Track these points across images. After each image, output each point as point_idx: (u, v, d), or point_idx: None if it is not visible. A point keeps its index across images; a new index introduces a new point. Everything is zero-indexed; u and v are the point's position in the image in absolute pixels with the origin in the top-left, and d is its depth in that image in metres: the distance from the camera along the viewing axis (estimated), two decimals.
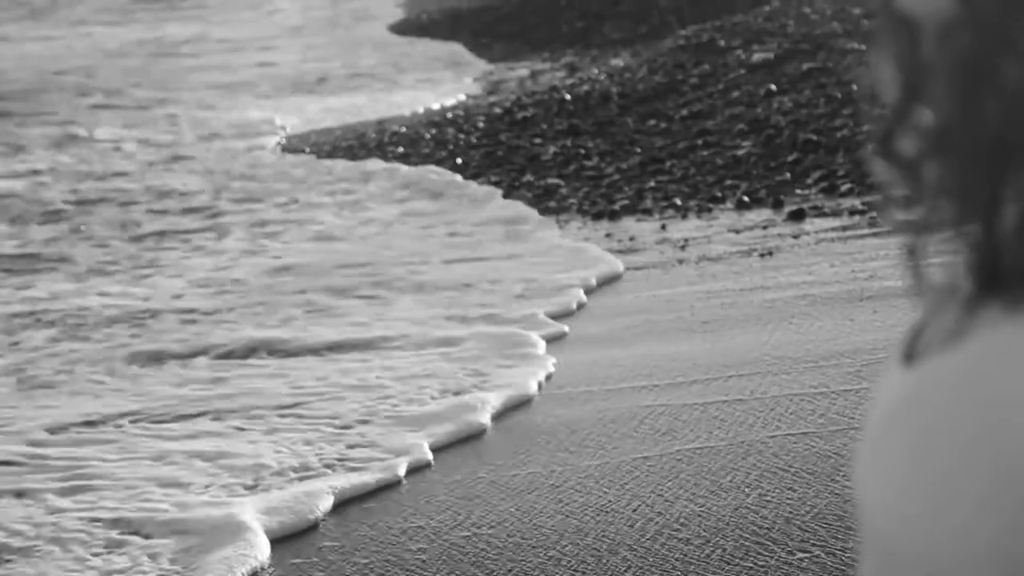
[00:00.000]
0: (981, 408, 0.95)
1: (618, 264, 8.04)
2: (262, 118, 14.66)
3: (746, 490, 4.66)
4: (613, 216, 9.31)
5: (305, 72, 17.99)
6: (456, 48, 18.64)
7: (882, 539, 1.01)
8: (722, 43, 13.10)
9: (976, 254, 0.99)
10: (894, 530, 0.99)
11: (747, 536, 4.32)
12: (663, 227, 8.86)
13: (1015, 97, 0.94)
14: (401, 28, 20.50)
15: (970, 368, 0.97)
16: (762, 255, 7.99)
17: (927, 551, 0.97)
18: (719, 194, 9.43)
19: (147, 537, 4.78)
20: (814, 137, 10.01)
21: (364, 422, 5.71)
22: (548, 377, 6.14)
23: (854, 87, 10.60)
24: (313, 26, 22.58)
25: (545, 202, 9.79)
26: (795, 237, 8.25)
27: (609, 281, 7.78)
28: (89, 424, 5.98)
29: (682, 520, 4.50)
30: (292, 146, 13.00)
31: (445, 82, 16.29)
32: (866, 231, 8.11)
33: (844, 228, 8.25)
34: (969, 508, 0.94)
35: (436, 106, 14.37)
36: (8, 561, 4.72)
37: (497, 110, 12.89)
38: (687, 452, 5.08)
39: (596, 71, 14.06)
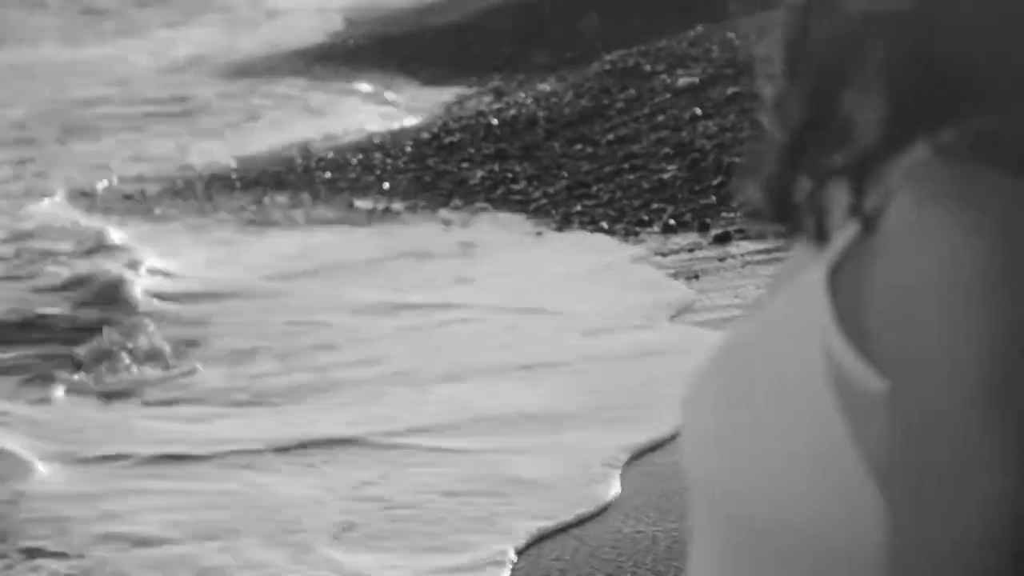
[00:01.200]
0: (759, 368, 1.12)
1: None
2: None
3: None
4: (540, 240, 9.33)
5: None
6: (385, 73, 18.64)
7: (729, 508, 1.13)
8: (647, 68, 13.18)
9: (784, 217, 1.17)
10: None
11: None
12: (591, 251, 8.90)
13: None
14: (328, 53, 20.48)
15: (754, 330, 1.15)
16: (688, 278, 8.04)
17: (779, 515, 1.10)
18: (645, 218, 9.48)
19: None
20: (739, 160, 10.08)
21: None
22: None
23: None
24: None
25: (473, 224, 9.80)
26: (721, 260, 8.31)
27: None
28: None
29: None
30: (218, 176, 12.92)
31: (371, 106, 16.28)
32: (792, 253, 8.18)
33: (770, 250, 8.32)
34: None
35: (363, 131, 14.35)
36: None
37: (424, 135, 12.90)
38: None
39: (523, 96, 14.10)
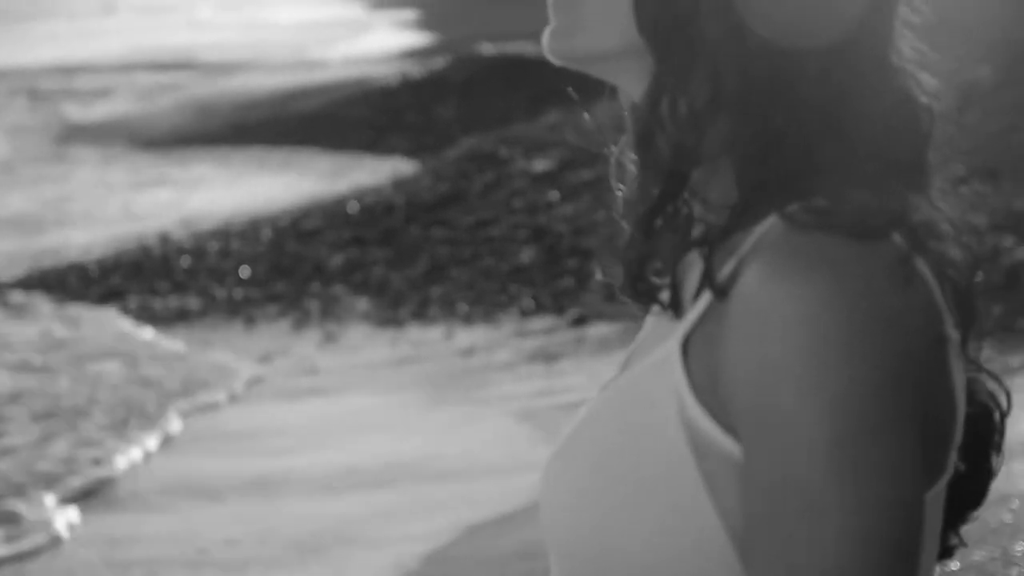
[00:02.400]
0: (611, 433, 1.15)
1: None
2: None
3: None
4: (398, 324, 9.36)
5: None
6: (243, 159, 18.60)
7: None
8: (505, 153, 13.33)
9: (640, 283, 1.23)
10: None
11: None
12: (448, 335, 8.95)
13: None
14: (186, 138, 20.39)
15: (608, 399, 1.19)
16: (547, 360, 8.12)
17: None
18: (504, 301, 9.56)
19: None
20: (596, 243, 10.22)
21: None
22: None
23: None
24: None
25: (331, 310, 9.81)
26: (578, 342, 8.40)
27: None
28: None
29: None
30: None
31: (229, 193, 16.22)
32: None
33: (625, 331, 8.43)
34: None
35: (221, 218, 14.29)
36: None
37: (283, 221, 12.89)
38: None
39: (381, 181, 14.17)
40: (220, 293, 10.85)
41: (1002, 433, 1.24)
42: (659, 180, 1.19)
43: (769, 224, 1.11)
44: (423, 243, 11.32)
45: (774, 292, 1.06)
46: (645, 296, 1.24)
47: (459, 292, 9.97)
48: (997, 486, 1.25)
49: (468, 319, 9.31)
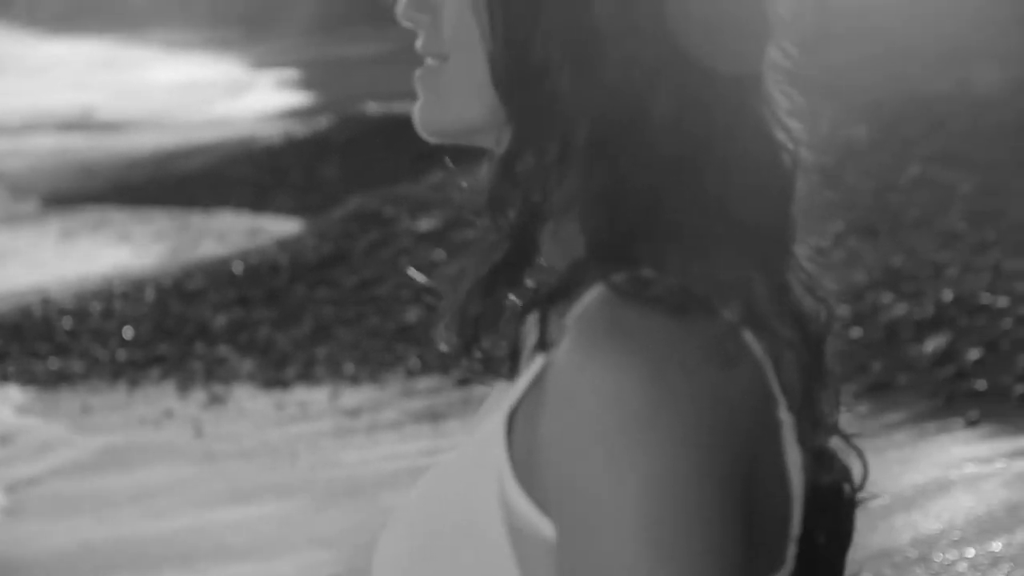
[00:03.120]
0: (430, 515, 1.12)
1: None
2: None
3: None
4: (284, 385, 9.31)
5: None
6: (127, 219, 18.44)
7: None
8: (390, 212, 13.35)
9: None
10: None
11: None
12: (334, 395, 8.91)
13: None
14: (68, 197, 20.17)
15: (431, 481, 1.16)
16: (433, 420, 8.11)
17: None
18: (390, 360, 9.55)
19: None
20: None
21: None
22: None
23: None
24: None
25: (216, 371, 9.73)
26: (465, 402, 8.41)
27: None
28: None
29: None
30: None
31: (113, 253, 16.07)
32: None
33: None
34: None
35: (104, 278, 14.14)
36: None
37: (166, 282, 12.78)
38: None
39: (267, 241, 14.11)
40: (103, 355, 10.72)
41: (855, 505, 1.19)
42: (505, 240, 1.17)
43: (596, 291, 1.07)
44: (308, 303, 11.28)
45: (584, 366, 1.02)
46: (481, 364, 1.21)
47: (345, 352, 9.94)
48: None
49: (354, 379, 9.28)
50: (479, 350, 1.22)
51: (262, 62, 33.84)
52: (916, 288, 8.23)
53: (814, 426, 1.13)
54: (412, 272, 1.38)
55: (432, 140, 1.23)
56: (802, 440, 1.10)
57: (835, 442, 1.19)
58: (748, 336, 1.06)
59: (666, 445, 1.00)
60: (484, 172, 1.22)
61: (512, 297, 1.19)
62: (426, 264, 11.61)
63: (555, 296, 1.11)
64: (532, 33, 1.12)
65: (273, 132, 20.57)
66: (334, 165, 18.54)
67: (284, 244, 13.55)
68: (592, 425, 1.01)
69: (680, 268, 1.06)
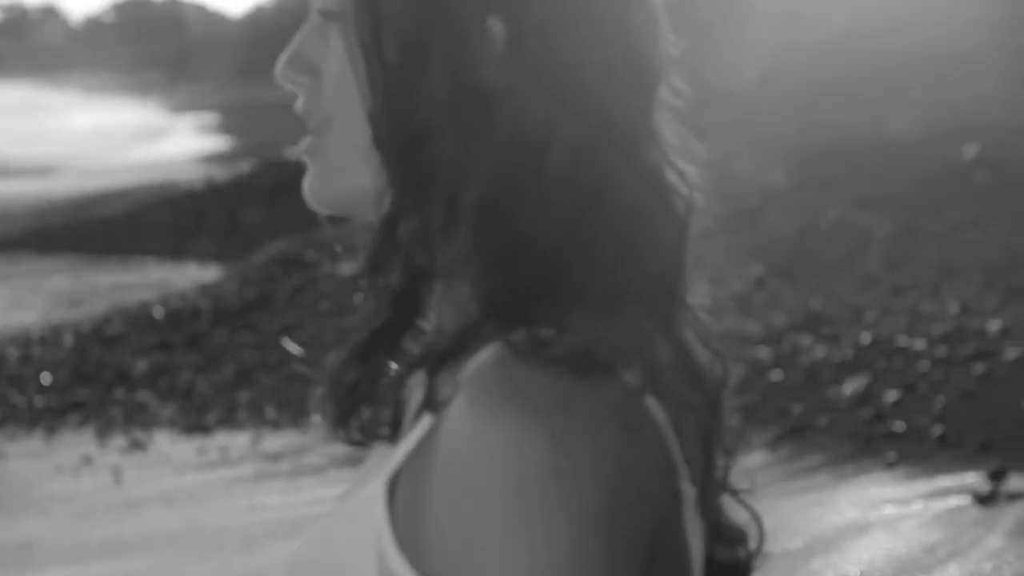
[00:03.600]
0: None
1: None
2: None
3: None
4: (206, 430, 9.25)
5: None
6: (43, 265, 18.28)
7: None
8: (311, 256, 13.33)
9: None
10: None
11: None
12: (256, 440, 8.86)
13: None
14: None
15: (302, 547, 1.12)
16: (355, 465, 8.10)
17: None
18: (311, 407, 9.52)
19: None
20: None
21: None
22: None
23: None
24: None
25: (136, 417, 9.65)
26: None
27: None
28: None
29: None
30: None
31: (30, 298, 15.92)
32: None
33: None
34: None
35: (21, 323, 14.02)
36: None
37: (85, 327, 12.68)
38: None
39: (188, 285, 14.04)
40: (20, 401, 10.60)
41: (751, 570, 1.15)
42: (388, 303, 1.12)
43: (491, 350, 1.02)
44: (230, 348, 11.22)
45: (480, 428, 0.96)
46: (360, 432, 1.15)
47: (267, 397, 9.89)
48: None
49: (276, 424, 9.23)
50: (357, 419, 1.16)
51: (181, 106, 33.76)
52: (835, 331, 8.31)
53: (714, 496, 1.10)
54: (287, 343, 1.34)
55: (324, 212, 1.19)
56: (702, 512, 1.06)
57: (731, 506, 1.15)
58: (651, 401, 1.01)
59: (566, 514, 0.95)
60: (366, 235, 1.17)
61: (391, 363, 1.13)
62: (349, 308, 11.59)
63: (447, 356, 1.05)
64: (414, 91, 1.09)
65: (194, 177, 20.50)
66: (255, 210, 18.49)
67: (205, 289, 13.49)
68: (488, 491, 0.95)
69: (580, 328, 1.02)
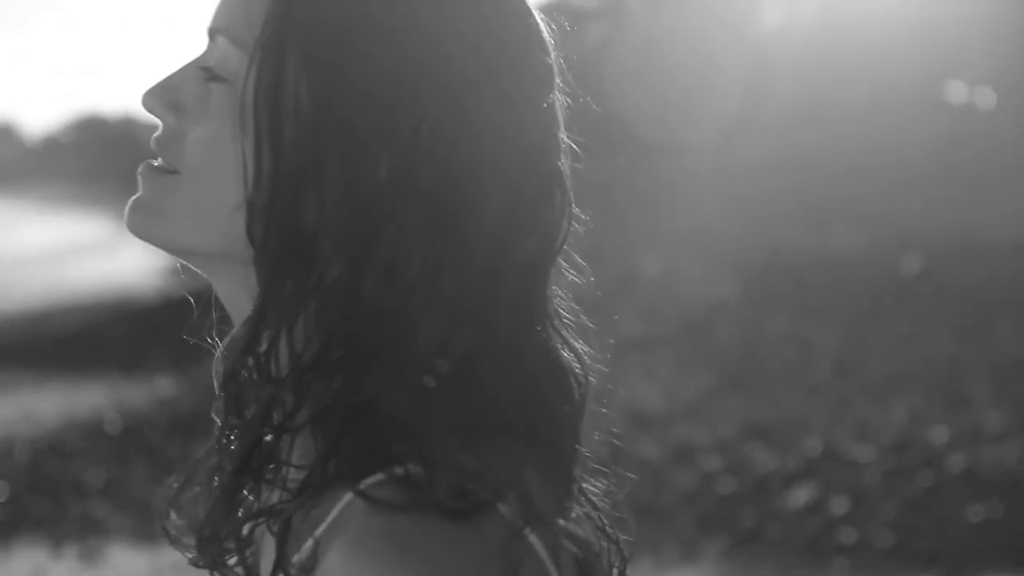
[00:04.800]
0: None
1: None
2: None
3: None
4: (160, 541, 9.24)
5: None
6: None
7: None
8: None
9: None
10: None
11: None
12: None
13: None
14: None
15: None
16: None
17: None
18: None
19: None
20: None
21: None
22: None
23: None
24: None
25: (91, 528, 9.62)
26: None
27: None
28: None
29: None
30: None
31: None
32: None
33: None
34: None
35: None
36: None
37: (41, 441, 12.64)
38: None
39: (142, 395, 14.01)
40: None
41: None
42: (244, 436, 1.07)
43: (347, 500, 0.98)
44: (185, 459, 11.20)
45: None
46: (220, 568, 1.10)
47: None
48: None
49: None
50: (217, 557, 1.11)
51: None
52: (784, 440, 8.37)
53: None
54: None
55: (142, 241, 1.14)
56: None
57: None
58: (531, 537, 0.97)
59: None
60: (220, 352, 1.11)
61: (249, 505, 1.08)
62: None
63: (294, 503, 1.00)
64: (303, 199, 1.03)
65: (149, 289, 20.50)
66: (210, 321, 18.50)
67: (161, 400, 13.48)
68: None
69: (448, 464, 0.97)
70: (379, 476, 0.96)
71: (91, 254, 27.64)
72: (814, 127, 18.60)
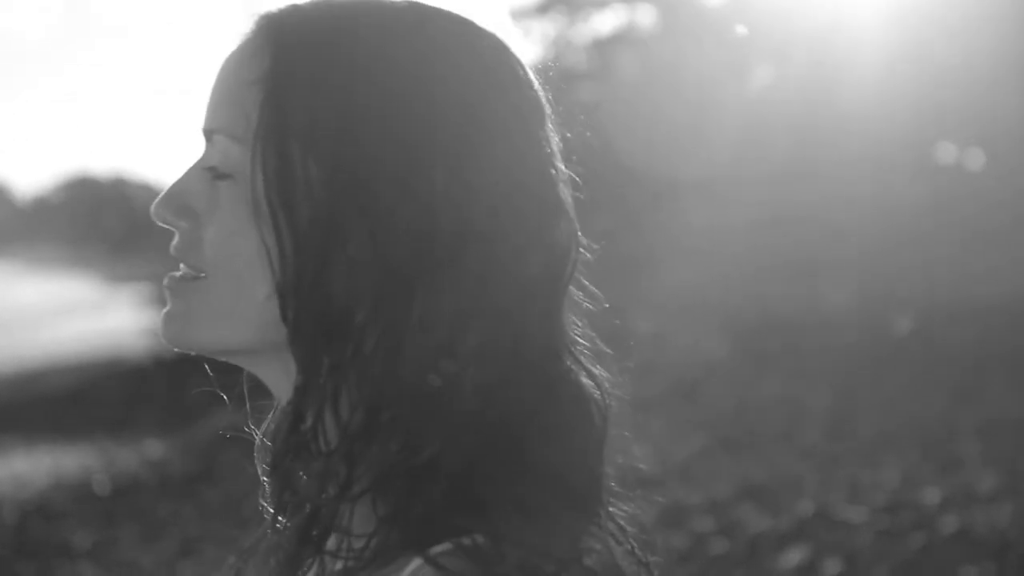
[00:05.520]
0: None
1: None
2: None
3: None
4: None
5: None
6: None
7: None
8: (253, 432, 13.29)
9: None
10: None
11: None
12: None
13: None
14: None
15: None
16: None
17: None
18: None
19: None
20: None
21: None
22: None
23: None
24: None
25: None
26: None
27: None
28: None
29: None
30: None
31: None
32: None
33: None
34: None
35: None
36: None
37: (28, 502, 12.58)
38: None
39: (132, 456, 13.96)
40: None
41: None
42: (299, 514, 1.08)
43: (416, 566, 0.98)
44: (174, 520, 11.16)
45: None
46: None
47: (211, 569, 9.83)
48: None
49: None
50: None
51: (116, 277, 33.73)
52: (776, 501, 8.37)
53: None
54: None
55: (181, 350, 1.16)
56: None
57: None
58: None
59: None
60: (270, 433, 1.11)
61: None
62: None
63: (359, 571, 1.01)
64: (331, 274, 1.04)
65: (138, 349, 20.47)
66: (201, 382, 18.48)
67: (150, 461, 13.43)
68: None
69: (515, 537, 0.98)
70: (447, 546, 0.97)
71: (81, 314, 27.63)
72: (804, 186, 18.66)
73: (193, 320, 1.12)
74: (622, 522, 1.12)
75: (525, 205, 1.06)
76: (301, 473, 1.06)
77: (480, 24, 1.10)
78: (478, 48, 1.09)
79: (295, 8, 1.09)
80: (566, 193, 1.11)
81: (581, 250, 1.13)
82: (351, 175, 1.03)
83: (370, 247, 1.02)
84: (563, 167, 1.12)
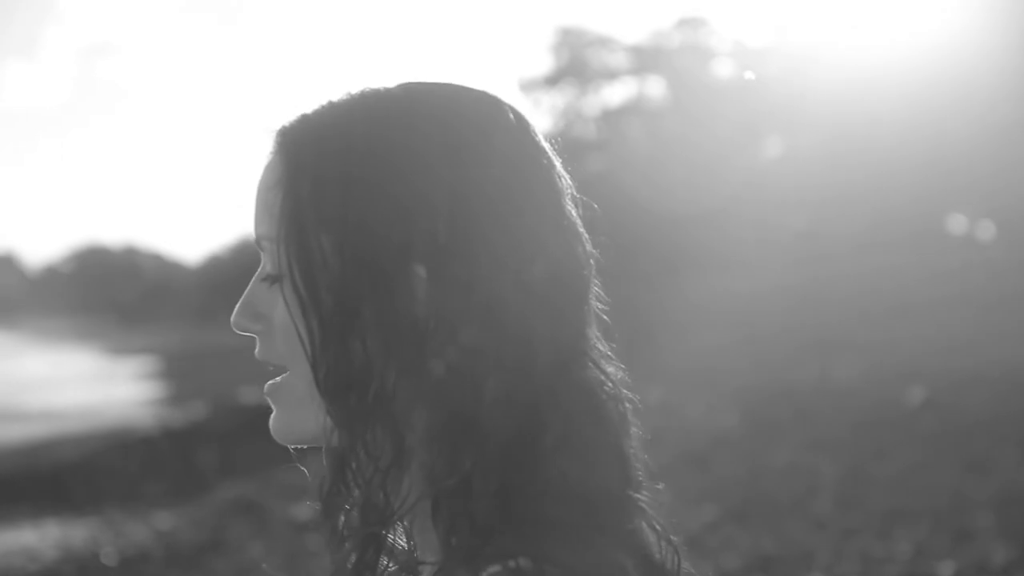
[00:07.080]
0: None
1: None
2: None
3: None
4: None
5: None
6: None
7: None
8: (266, 501, 13.27)
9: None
10: None
11: None
12: None
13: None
14: None
15: None
16: None
17: None
18: None
19: None
20: None
21: None
22: None
23: None
24: None
25: None
26: None
27: None
28: None
29: None
30: None
31: None
32: None
33: None
34: None
35: None
36: None
37: (33, 572, 12.52)
38: None
39: (140, 527, 13.91)
40: None
41: None
42: (354, 546, 1.17)
43: None
44: None
45: None
46: None
47: None
48: None
49: None
50: None
51: (119, 349, 33.77)
52: (788, 573, 8.33)
53: None
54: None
55: (288, 445, 1.28)
56: None
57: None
58: None
59: None
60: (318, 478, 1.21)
61: None
62: (302, 553, 11.50)
63: None
64: (348, 337, 1.15)
65: (147, 420, 20.47)
66: (209, 453, 18.45)
67: (159, 533, 13.37)
68: None
69: (557, 559, 1.04)
70: (496, 567, 1.03)
71: (89, 385, 27.63)
72: (816, 256, 18.69)
73: (286, 415, 1.24)
74: (658, 528, 1.20)
75: (526, 244, 1.15)
76: (347, 506, 1.17)
77: (471, 89, 1.24)
78: (467, 114, 1.21)
79: (303, 117, 1.25)
80: (579, 235, 1.21)
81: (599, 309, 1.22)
82: (357, 235, 1.15)
83: (380, 312, 1.13)
84: (573, 210, 1.22)
